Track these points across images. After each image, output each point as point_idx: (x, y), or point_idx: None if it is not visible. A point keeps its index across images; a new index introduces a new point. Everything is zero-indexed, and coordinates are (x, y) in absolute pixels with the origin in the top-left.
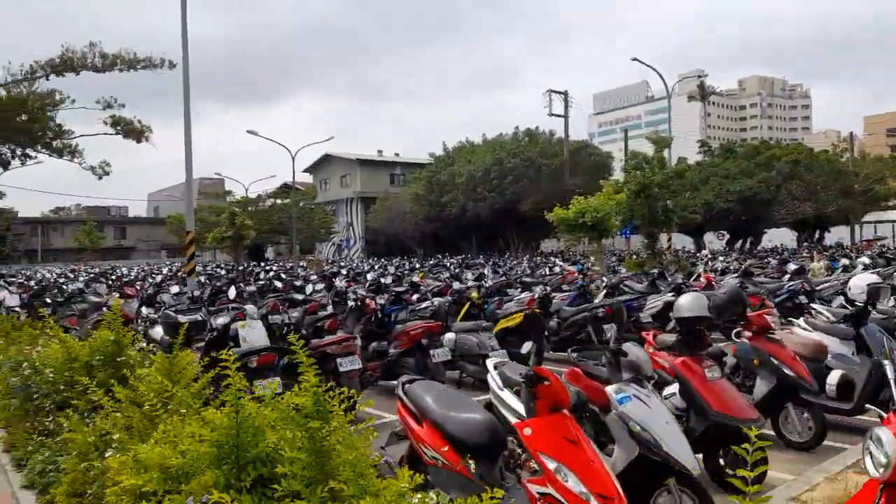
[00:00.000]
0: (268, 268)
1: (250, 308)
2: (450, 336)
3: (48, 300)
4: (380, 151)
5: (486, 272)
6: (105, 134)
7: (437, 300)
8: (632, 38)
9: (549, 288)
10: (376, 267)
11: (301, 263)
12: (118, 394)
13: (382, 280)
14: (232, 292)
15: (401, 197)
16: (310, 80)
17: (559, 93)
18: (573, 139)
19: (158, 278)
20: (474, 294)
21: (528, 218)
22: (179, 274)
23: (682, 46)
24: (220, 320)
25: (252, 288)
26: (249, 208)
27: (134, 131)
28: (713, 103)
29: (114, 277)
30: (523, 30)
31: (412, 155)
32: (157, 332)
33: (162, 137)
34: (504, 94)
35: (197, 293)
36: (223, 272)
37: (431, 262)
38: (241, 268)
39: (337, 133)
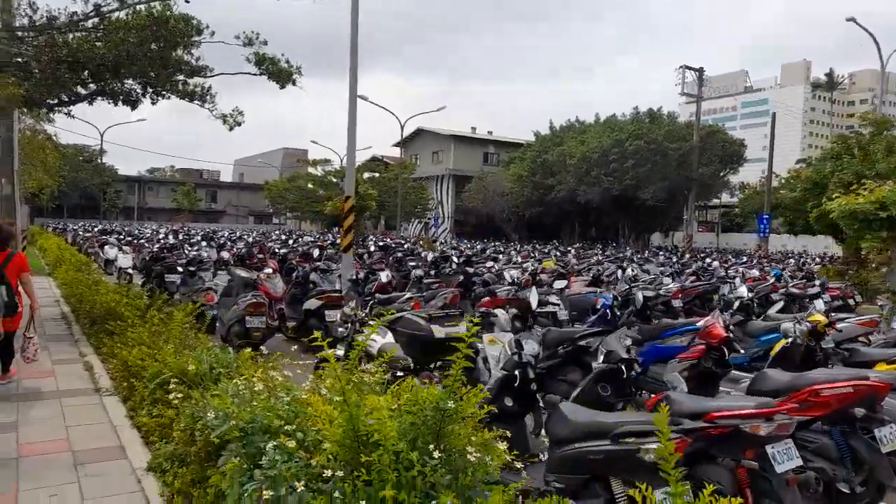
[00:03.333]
0: (381, 243)
1: (502, 315)
2: None
3: (172, 266)
4: (473, 129)
5: (628, 269)
6: (247, 73)
7: None
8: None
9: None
10: (486, 250)
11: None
12: None
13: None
14: (384, 276)
15: (499, 176)
16: (393, 57)
17: (693, 69)
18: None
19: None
20: None
21: (645, 207)
22: (325, 246)
23: (780, 38)
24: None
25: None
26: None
27: (281, 73)
28: (818, 97)
29: (221, 240)
30: (609, 19)
31: (502, 134)
32: (374, 341)
33: (246, 105)
34: (588, 82)
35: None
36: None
37: (548, 248)
38: (365, 242)
39: (422, 110)
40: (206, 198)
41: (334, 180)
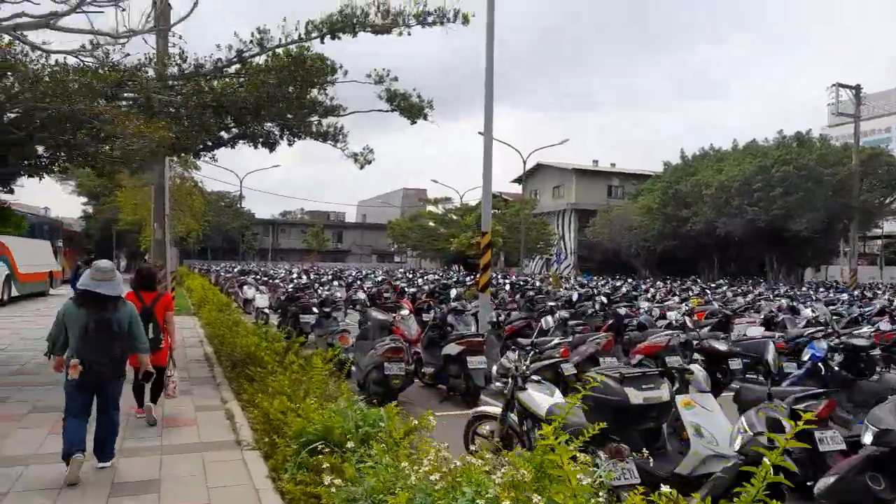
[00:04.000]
0: (507, 281)
1: (699, 371)
2: None
3: (307, 307)
4: (595, 161)
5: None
6: (379, 111)
7: None
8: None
9: None
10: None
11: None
12: None
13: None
14: (549, 321)
15: (626, 209)
16: (507, 92)
17: (848, 87)
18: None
19: (425, 287)
20: None
21: (797, 238)
22: (450, 284)
23: None
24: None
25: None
26: (467, 216)
27: (413, 108)
28: None
29: (349, 279)
30: (731, 39)
31: (625, 166)
32: (539, 398)
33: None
34: (713, 106)
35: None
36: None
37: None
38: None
39: (539, 145)
40: (332, 238)
41: (455, 218)
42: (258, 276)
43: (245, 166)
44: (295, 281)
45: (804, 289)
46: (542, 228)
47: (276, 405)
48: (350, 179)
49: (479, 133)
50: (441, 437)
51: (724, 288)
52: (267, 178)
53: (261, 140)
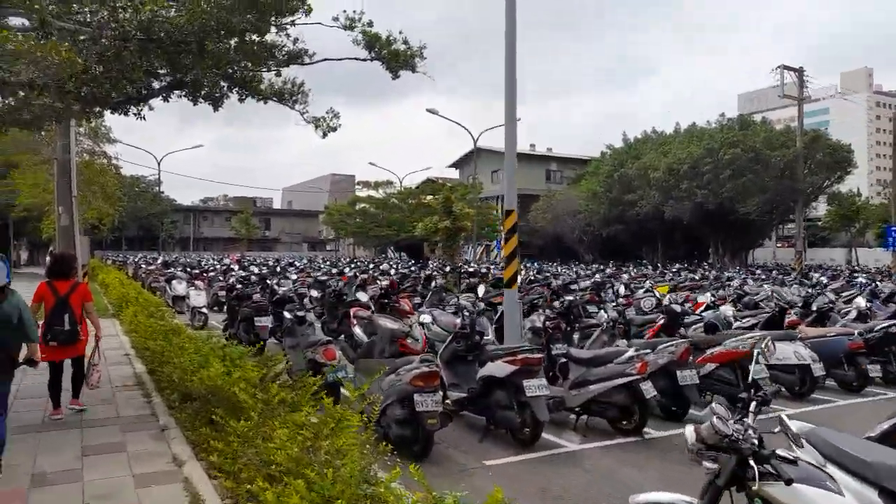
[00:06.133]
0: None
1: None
2: None
3: (262, 307)
4: (532, 146)
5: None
6: (354, 59)
7: None
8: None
9: None
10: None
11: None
12: None
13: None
14: (537, 320)
15: (568, 194)
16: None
17: (793, 69)
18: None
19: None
20: None
21: (742, 221)
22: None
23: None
24: None
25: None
26: (411, 200)
27: (397, 57)
28: (882, 105)
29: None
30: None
31: (560, 151)
32: None
33: (292, 134)
34: (627, 95)
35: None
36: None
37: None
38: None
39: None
40: (260, 226)
41: (396, 202)
42: (189, 269)
43: (163, 147)
44: (235, 273)
45: (758, 272)
46: (487, 213)
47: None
48: (273, 167)
49: (428, 111)
50: None
51: (688, 273)
52: (184, 163)
53: (204, 92)
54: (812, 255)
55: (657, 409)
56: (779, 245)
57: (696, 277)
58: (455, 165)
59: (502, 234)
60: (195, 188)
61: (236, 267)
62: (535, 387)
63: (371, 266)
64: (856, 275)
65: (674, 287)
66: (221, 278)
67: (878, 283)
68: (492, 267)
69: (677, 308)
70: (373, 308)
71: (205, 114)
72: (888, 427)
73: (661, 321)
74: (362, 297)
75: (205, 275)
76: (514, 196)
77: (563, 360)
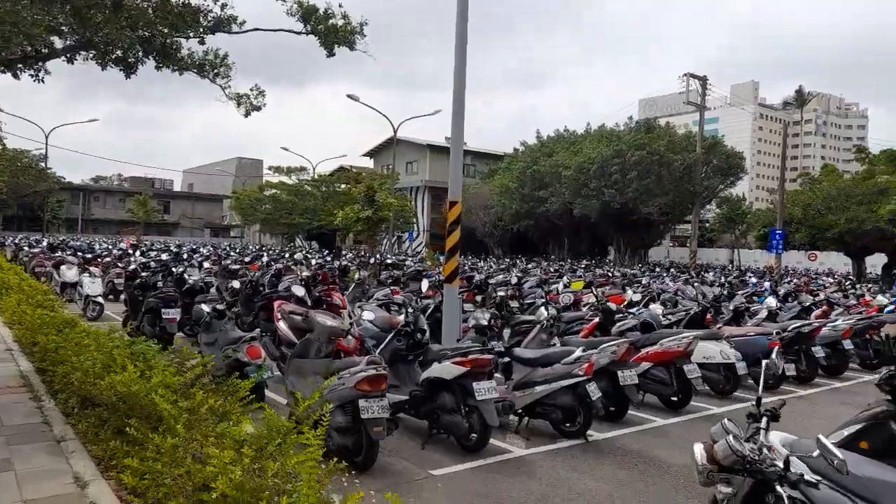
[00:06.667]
0: (391, 259)
1: None
2: None
3: (171, 297)
4: (447, 138)
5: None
6: (288, 31)
7: None
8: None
9: None
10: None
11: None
12: None
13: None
14: (482, 317)
15: (481, 188)
16: (345, 68)
17: (698, 78)
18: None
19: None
20: None
21: (643, 221)
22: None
23: (730, 57)
24: None
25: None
26: (324, 188)
27: (335, 33)
28: (765, 117)
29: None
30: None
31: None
32: None
33: (188, 115)
34: (532, 97)
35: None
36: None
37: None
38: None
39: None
40: (159, 209)
41: (309, 189)
42: (81, 253)
43: (49, 122)
44: (135, 259)
45: (657, 269)
46: (404, 204)
47: None
48: (172, 148)
49: (349, 97)
50: None
51: (596, 269)
52: (74, 139)
53: (115, 55)
54: (700, 254)
55: (602, 410)
56: (671, 245)
57: (608, 274)
58: (370, 154)
59: (414, 226)
60: (87, 166)
61: (133, 252)
62: (486, 389)
63: (286, 255)
64: (749, 275)
65: (588, 283)
66: (119, 264)
67: (776, 282)
68: (408, 259)
69: (613, 306)
70: (309, 302)
71: (94, 85)
72: (849, 434)
73: (598, 319)
74: (298, 290)
75: (99, 260)
76: (459, 187)
77: (506, 359)
